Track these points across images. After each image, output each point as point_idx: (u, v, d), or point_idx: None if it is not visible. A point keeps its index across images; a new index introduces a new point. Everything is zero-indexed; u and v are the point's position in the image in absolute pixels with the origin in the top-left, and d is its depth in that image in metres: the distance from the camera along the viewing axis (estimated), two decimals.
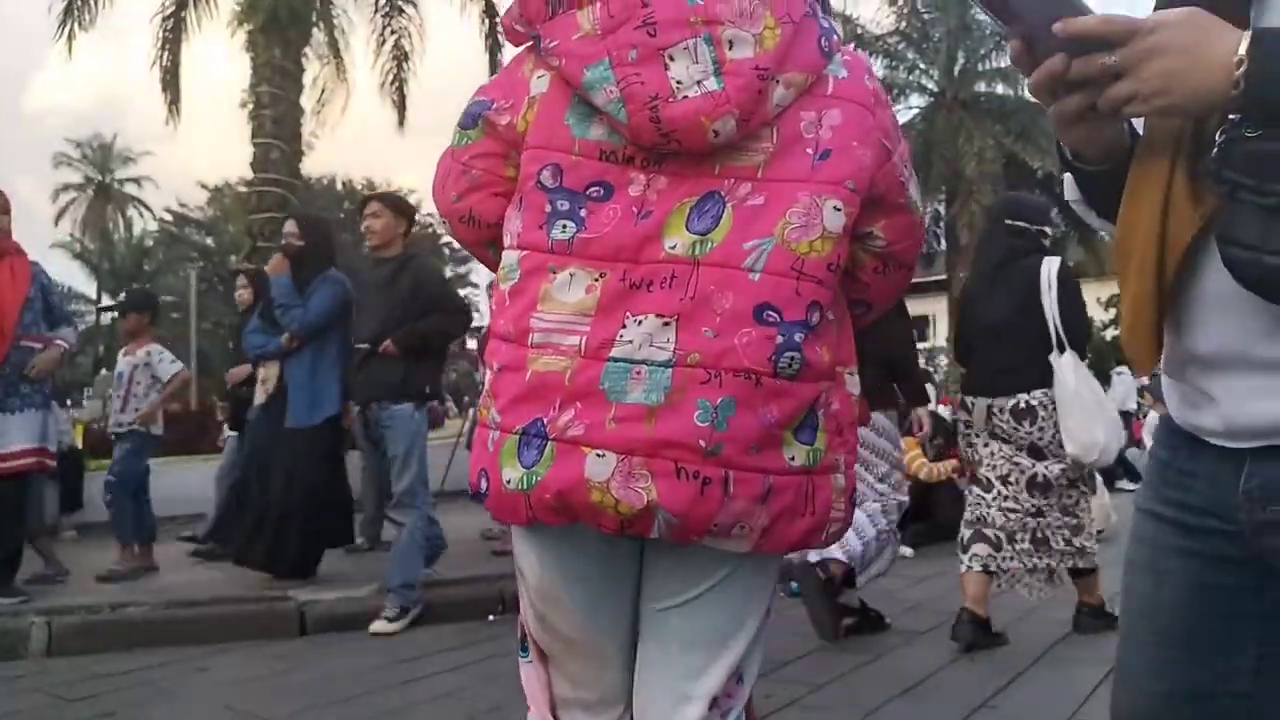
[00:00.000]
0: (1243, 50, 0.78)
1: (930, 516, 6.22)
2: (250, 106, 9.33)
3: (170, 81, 11.82)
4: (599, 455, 0.99)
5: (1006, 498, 3.70)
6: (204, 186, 36.65)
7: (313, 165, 13.41)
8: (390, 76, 13.38)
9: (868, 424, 6.15)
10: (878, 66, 23.61)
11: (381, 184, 41.51)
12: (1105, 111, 0.86)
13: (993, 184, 20.35)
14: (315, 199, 31.86)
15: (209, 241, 37.36)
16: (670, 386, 0.99)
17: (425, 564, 4.41)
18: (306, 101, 11.30)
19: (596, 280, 1.03)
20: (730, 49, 0.97)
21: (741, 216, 1.03)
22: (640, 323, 1.00)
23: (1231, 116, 0.82)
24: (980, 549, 3.68)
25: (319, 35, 11.92)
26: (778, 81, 0.99)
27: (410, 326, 4.08)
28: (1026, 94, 23.32)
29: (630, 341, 1.00)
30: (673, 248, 1.02)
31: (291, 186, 9.24)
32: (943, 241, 24.78)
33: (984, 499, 3.77)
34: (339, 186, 38.19)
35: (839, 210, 1.04)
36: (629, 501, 0.98)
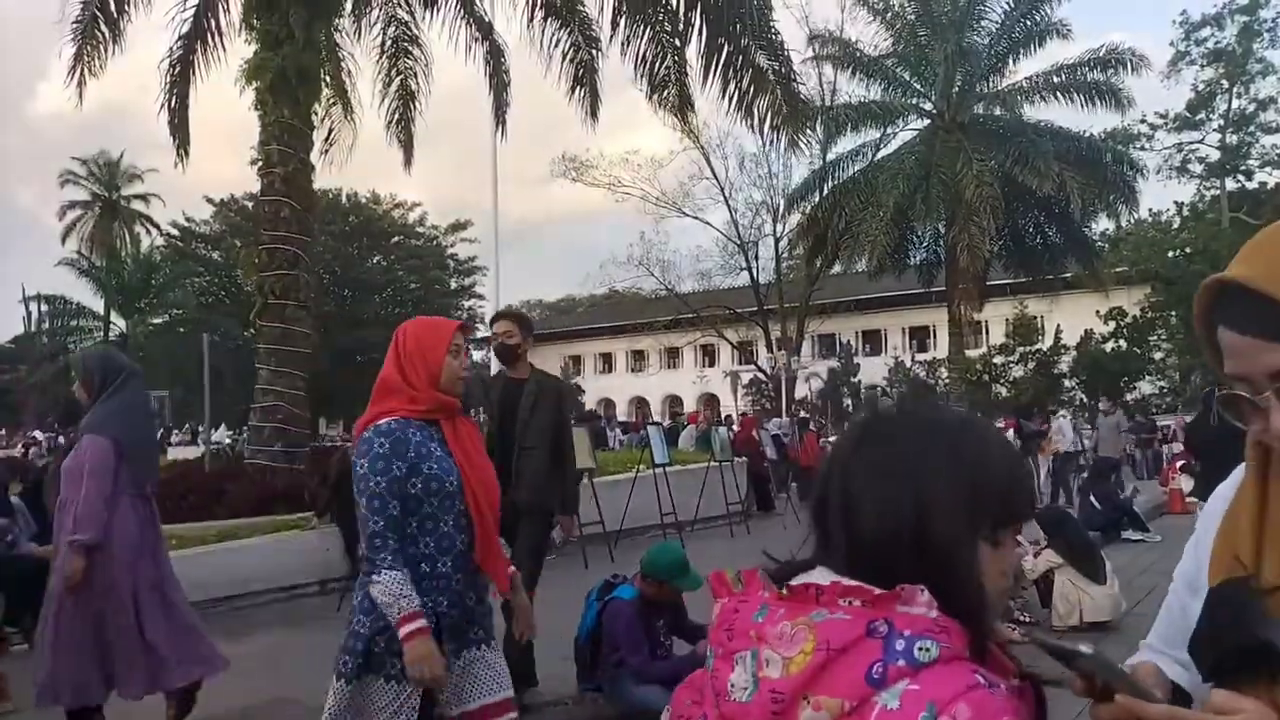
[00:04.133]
0: None
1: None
2: (260, 164, 9.57)
3: (178, 126, 12.10)
4: None
5: None
6: (210, 201, 36.97)
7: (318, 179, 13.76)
8: (396, 116, 13.65)
9: None
10: (874, 90, 23.88)
11: (386, 197, 41.86)
12: None
13: (992, 207, 20.54)
14: (320, 214, 32.16)
15: (215, 255, 37.66)
16: None
17: None
18: (314, 144, 11.58)
19: None
20: (766, 667, 1.04)
21: None
22: None
23: None
24: None
25: (326, 81, 12.20)
26: (807, 701, 1.00)
27: None
28: (1024, 116, 23.58)
29: None
30: None
31: (303, 244, 9.47)
32: (943, 257, 24.98)
33: None
34: (344, 200, 38.51)
35: None
36: None
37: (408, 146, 13.74)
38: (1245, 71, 31.71)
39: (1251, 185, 33.36)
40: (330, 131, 13.31)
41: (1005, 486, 1.03)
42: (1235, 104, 32.21)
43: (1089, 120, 43.19)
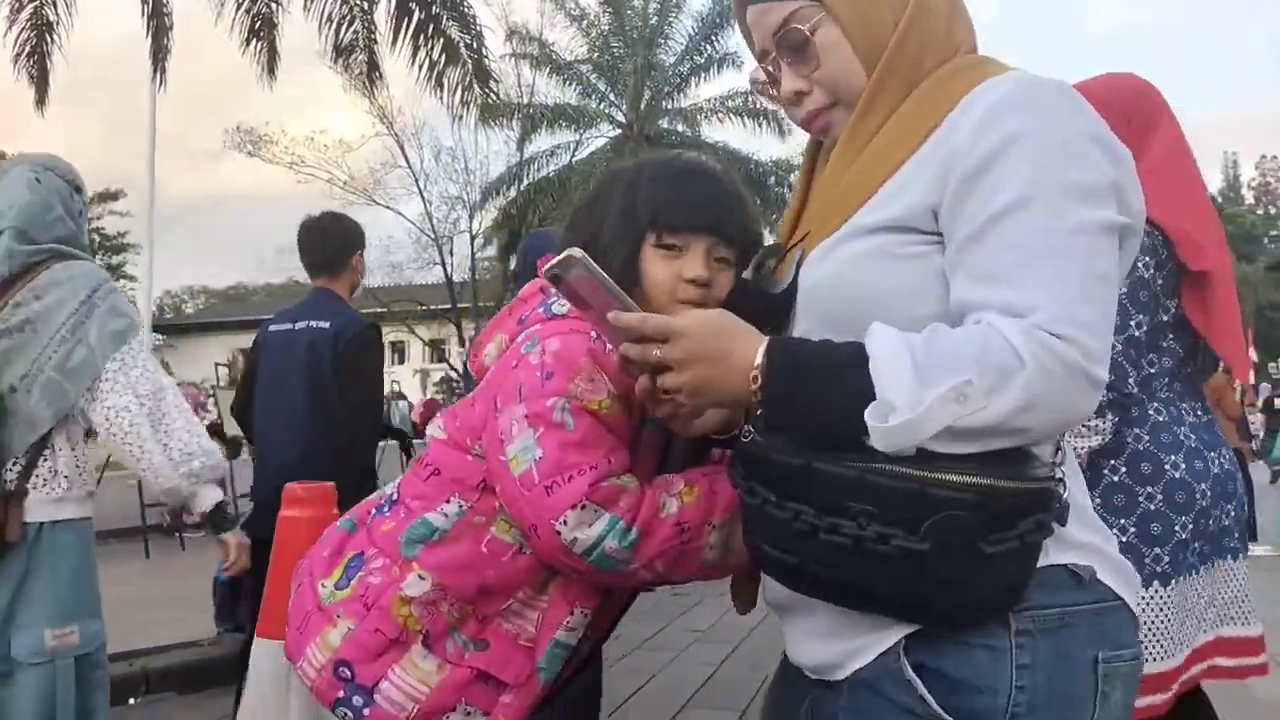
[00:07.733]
0: (758, 361, 0.89)
1: None
2: None
3: None
4: None
5: None
6: None
7: None
8: (29, 49, 11.84)
9: None
10: (570, 94, 24.58)
11: (12, 153, 35.85)
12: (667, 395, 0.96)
13: None
14: None
15: None
16: None
17: None
18: None
19: None
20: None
21: None
22: None
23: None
24: None
25: None
26: (494, 338, 1.30)
27: None
28: (704, 135, 25.50)
29: None
30: None
31: None
32: None
33: None
34: None
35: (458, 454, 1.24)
36: None
37: (41, 83, 11.91)
38: None
39: None
40: None
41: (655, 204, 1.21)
42: None
43: (758, 145, 47.84)
